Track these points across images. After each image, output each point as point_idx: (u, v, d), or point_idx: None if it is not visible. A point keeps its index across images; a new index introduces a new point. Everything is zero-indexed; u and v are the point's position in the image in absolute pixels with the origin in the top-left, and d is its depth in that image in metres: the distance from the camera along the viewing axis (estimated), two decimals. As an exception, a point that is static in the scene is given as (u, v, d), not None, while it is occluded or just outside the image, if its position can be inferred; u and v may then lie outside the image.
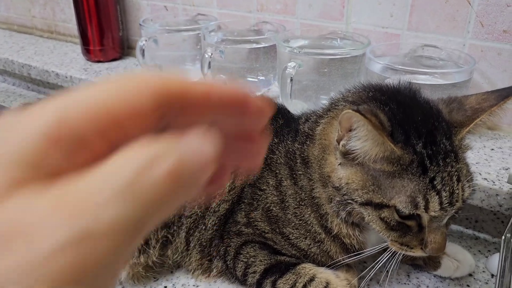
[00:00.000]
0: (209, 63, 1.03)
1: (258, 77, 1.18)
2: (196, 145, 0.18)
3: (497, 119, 0.60)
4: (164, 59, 1.27)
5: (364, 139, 0.56)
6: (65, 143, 0.17)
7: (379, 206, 0.58)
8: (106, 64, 1.46)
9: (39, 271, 0.15)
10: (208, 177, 0.19)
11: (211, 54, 1.03)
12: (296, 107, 1.00)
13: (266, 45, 1.14)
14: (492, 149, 0.94)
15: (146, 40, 1.16)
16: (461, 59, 0.97)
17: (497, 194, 0.81)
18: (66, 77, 1.38)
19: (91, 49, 1.47)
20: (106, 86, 0.18)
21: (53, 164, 0.17)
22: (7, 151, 0.17)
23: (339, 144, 0.60)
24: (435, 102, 0.64)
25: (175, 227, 0.74)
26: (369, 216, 0.60)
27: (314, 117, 0.70)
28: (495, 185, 0.81)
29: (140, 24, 1.25)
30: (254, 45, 1.13)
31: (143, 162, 0.17)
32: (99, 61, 1.47)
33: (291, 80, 0.93)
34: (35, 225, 0.15)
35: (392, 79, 0.86)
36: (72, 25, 1.64)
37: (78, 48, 1.54)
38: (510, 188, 0.80)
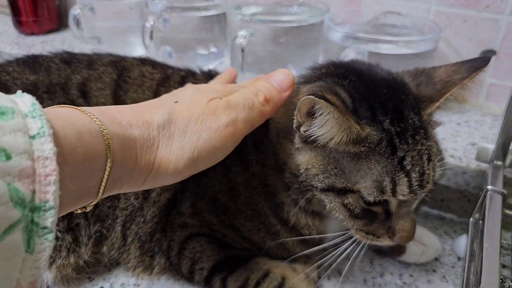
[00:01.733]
0: (151, 33, 0.92)
1: (210, 50, 1.08)
2: (279, 79, 0.52)
3: (467, 92, 0.53)
4: (104, 30, 1.14)
5: (330, 125, 0.48)
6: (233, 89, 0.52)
7: (342, 192, 0.51)
8: (41, 37, 1.31)
9: (216, 132, 0.45)
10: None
11: (153, 23, 0.92)
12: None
13: (217, 12, 1.03)
14: (459, 123, 0.88)
15: (80, 9, 1.03)
16: (426, 27, 0.90)
17: (464, 172, 0.75)
18: (-5, 52, 1.23)
19: (24, 20, 1.31)
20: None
21: (225, 93, 0.49)
22: (211, 88, 0.52)
23: (298, 130, 0.52)
24: (399, 74, 0.57)
25: (109, 221, 0.64)
26: (331, 203, 0.53)
27: None
28: (462, 162, 0.76)
29: (75, -10, 1.11)
30: (204, 13, 1.02)
31: (254, 92, 0.50)
32: (33, 34, 1.32)
33: (243, 51, 0.83)
34: (216, 112, 0.46)
35: (352, 49, 0.78)
36: (1, -6, 1.47)
37: (9, 20, 1.38)
38: (478, 165, 0.74)
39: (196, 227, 0.64)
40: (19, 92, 0.34)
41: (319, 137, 0.50)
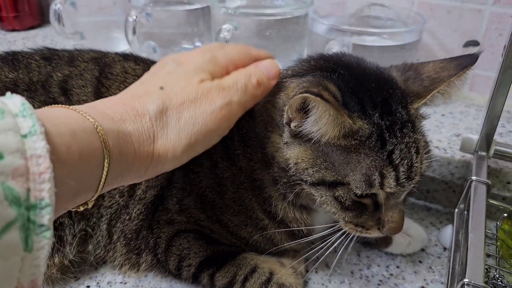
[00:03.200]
0: (134, 28, 0.90)
1: (195, 44, 1.06)
2: (267, 67, 0.52)
3: (454, 89, 0.53)
4: (87, 25, 1.12)
5: (324, 122, 0.48)
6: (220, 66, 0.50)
7: (333, 185, 0.51)
8: (22, 33, 1.28)
9: (211, 116, 0.46)
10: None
11: (136, 17, 0.91)
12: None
13: (202, 6, 1.02)
14: (443, 115, 0.89)
15: (61, 3, 1.01)
16: (410, 18, 0.90)
17: (449, 163, 0.76)
18: (-25, 49, 1.20)
19: (4, 16, 1.28)
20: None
21: (216, 74, 0.49)
22: (195, 66, 0.49)
23: (289, 126, 0.52)
24: (387, 69, 0.57)
25: (94, 219, 0.64)
26: (321, 197, 0.53)
27: None
28: (446, 153, 0.76)
29: (56, -15, 1.09)
30: (188, 7, 1.00)
31: (247, 76, 0.50)
32: (14, 30, 1.29)
33: (227, 45, 0.82)
34: (210, 95, 0.46)
35: (336, 41, 0.78)
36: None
37: (-11, 16, 1.35)
38: (462, 156, 0.75)
39: (183, 223, 0.63)
40: (8, 93, 0.34)
41: (312, 133, 0.50)
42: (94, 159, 0.37)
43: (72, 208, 0.40)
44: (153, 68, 0.54)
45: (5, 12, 1.28)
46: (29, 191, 0.29)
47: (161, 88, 0.46)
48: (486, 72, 0.92)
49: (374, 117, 0.49)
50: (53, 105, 0.40)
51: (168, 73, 0.49)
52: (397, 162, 0.49)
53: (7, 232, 0.27)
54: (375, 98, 0.50)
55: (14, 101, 0.33)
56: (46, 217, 0.29)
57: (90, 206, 0.41)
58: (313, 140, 0.50)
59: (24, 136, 0.30)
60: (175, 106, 0.45)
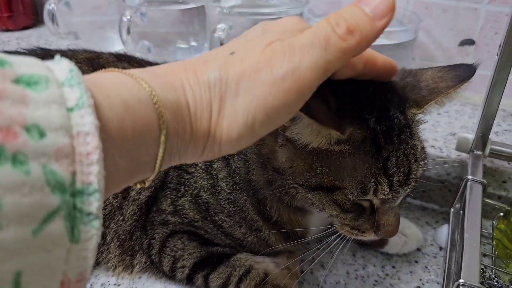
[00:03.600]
0: (128, 28, 0.90)
1: (190, 43, 1.06)
2: (370, 2, 0.37)
3: (449, 100, 0.53)
4: (81, 25, 1.11)
5: (308, 133, 0.46)
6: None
7: (331, 189, 0.50)
8: (17, 33, 1.27)
9: (271, 88, 0.34)
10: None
11: (130, 17, 0.90)
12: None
13: (197, 5, 1.01)
14: (439, 114, 0.88)
15: (55, 3, 1.00)
16: (405, 17, 0.89)
17: (444, 162, 0.76)
18: (-32, 49, 1.19)
19: (-2, 15, 1.27)
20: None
21: (298, 31, 0.37)
22: (280, 31, 0.38)
23: (284, 132, 0.51)
24: None
25: (87, 221, 0.63)
26: (321, 202, 0.51)
27: None
28: (442, 152, 0.76)
29: (49, -16, 1.08)
30: (183, 6, 1.00)
31: (329, 26, 0.35)
32: (7, 30, 1.28)
33: (222, 44, 0.82)
34: (273, 60, 0.34)
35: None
36: (-25, -11, 1.42)
37: (-17, 15, 1.34)
38: (458, 155, 0.75)
39: (177, 224, 0.63)
40: (57, 57, 0.30)
41: (300, 140, 0.49)
42: (149, 135, 0.32)
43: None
44: (241, 36, 0.44)
45: (-2, 12, 1.27)
46: (74, 174, 0.25)
47: (232, 53, 0.37)
48: (482, 71, 0.91)
49: (370, 121, 0.48)
50: (107, 69, 0.34)
51: (247, 39, 0.40)
52: (393, 169, 0.48)
53: (50, 222, 0.24)
54: (373, 102, 0.49)
55: (62, 67, 0.28)
56: (94, 204, 0.26)
57: (147, 185, 0.36)
58: (308, 148, 0.49)
59: (71, 109, 0.26)
60: (234, 75, 0.36)
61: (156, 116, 0.32)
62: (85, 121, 0.26)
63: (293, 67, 0.34)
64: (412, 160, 0.50)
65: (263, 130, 0.36)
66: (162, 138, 0.32)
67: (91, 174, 0.26)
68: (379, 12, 0.37)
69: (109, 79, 0.32)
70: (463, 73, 0.53)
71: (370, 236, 0.54)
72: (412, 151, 0.50)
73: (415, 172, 0.50)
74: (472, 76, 0.53)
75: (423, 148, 0.53)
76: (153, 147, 0.32)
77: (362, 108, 0.48)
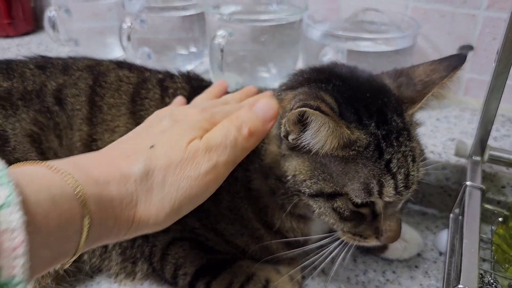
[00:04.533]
0: (129, 35, 0.90)
1: (190, 50, 1.07)
2: (264, 108, 0.49)
3: (447, 91, 0.54)
4: (81, 32, 1.12)
5: (323, 134, 0.47)
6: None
7: (331, 196, 0.51)
8: (17, 40, 1.28)
9: (196, 181, 0.43)
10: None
11: (131, 24, 0.91)
12: (229, 81, 0.90)
13: (197, 12, 1.02)
14: (438, 119, 0.89)
15: (56, 11, 1.01)
16: (404, 23, 0.90)
17: (444, 168, 0.76)
18: (-31, 56, 1.20)
19: (-2, 22, 1.28)
20: None
21: (208, 124, 0.47)
22: (190, 125, 0.47)
23: (286, 138, 0.52)
24: (379, 77, 0.57)
25: (89, 229, 0.63)
26: (320, 208, 0.53)
27: None
28: (441, 157, 0.77)
29: (50, -8, 1.09)
30: (182, 13, 1.00)
31: (237, 126, 0.46)
32: (8, 36, 1.29)
33: (222, 51, 0.82)
34: (196, 158, 0.43)
35: (331, 47, 0.78)
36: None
37: (-17, 22, 1.35)
38: (457, 161, 0.75)
39: (178, 232, 0.63)
40: None
41: (311, 145, 0.49)
42: (72, 226, 0.35)
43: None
44: (149, 120, 0.52)
45: (-1, 18, 1.28)
46: (1, 269, 0.27)
47: (151, 147, 0.44)
48: (480, 76, 0.93)
49: (370, 127, 0.49)
50: (32, 162, 0.37)
51: (161, 131, 0.47)
52: (394, 171, 0.49)
53: None
54: (370, 107, 0.50)
55: None
56: None
57: (66, 267, 0.39)
58: (312, 152, 0.50)
59: (0, 207, 0.28)
60: (161, 169, 0.42)
61: (80, 209, 0.36)
62: (13, 218, 0.28)
63: (213, 164, 0.44)
64: (412, 161, 0.50)
65: (186, 211, 0.45)
66: (85, 228, 0.36)
67: (16, 267, 0.28)
68: (269, 117, 0.50)
69: (37, 174, 0.35)
70: (454, 62, 0.54)
71: (373, 242, 0.55)
72: (411, 153, 0.51)
73: (416, 174, 0.51)
74: (463, 63, 0.54)
75: (421, 149, 0.54)
76: (76, 235, 0.36)
77: (361, 114, 0.49)
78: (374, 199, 0.50)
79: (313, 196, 0.52)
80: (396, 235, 0.54)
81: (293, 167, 0.52)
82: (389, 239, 0.53)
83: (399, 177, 0.49)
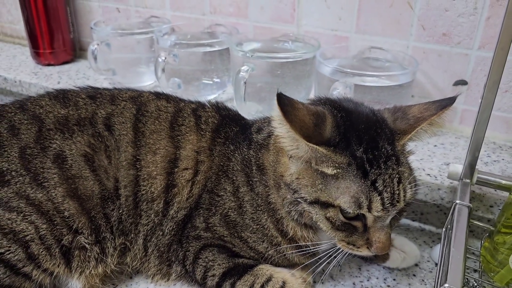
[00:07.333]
0: (163, 67, 1.03)
1: (213, 79, 1.19)
2: None
3: (436, 128, 0.64)
4: (118, 62, 1.25)
5: (289, 142, 0.60)
6: None
7: (325, 205, 0.62)
8: (58, 68, 1.42)
9: None
10: None
11: (165, 58, 1.04)
12: (250, 109, 1.02)
13: (220, 48, 1.15)
14: (435, 145, 1.00)
15: (98, 44, 1.15)
16: (405, 61, 1.02)
17: (439, 188, 0.86)
18: (15, 82, 1.34)
19: (41, 52, 1.43)
20: None
21: None
22: None
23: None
24: (380, 112, 0.68)
25: (132, 235, 0.74)
26: (316, 215, 0.63)
27: (266, 126, 0.73)
28: (437, 179, 0.87)
29: (91, 28, 1.23)
30: (208, 48, 1.14)
31: None
32: (49, 64, 1.43)
33: (245, 83, 0.94)
34: None
35: (340, 82, 0.90)
36: (19, 27, 1.59)
37: (27, 51, 1.50)
38: (451, 183, 0.86)
39: (208, 239, 0.74)
40: None
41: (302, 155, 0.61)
42: None
43: None
44: None
45: (42, 48, 1.42)
46: None
47: None
48: (474, 107, 1.04)
49: (357, 151, 0.60)
50: None
51: None
52: (381, 189, 0.59)
53: None
54: (362, 136, 0.61)
55: None
56: None
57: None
58: (310, 163, 0.61)
59: None
60: None
61: None
62: None
63: None
64: (397, 183, 0.61)
65: None
66: None
67: None
68: None
69: None
70: (445, 103, 0.65)
71: (365, 252, 0.65)
72: (397, 175, 0.61)
73: (402, 193, 0.61)
74: (452, 104, 0.64)
75: (411, 174, 0.64)
76: None
77: (352, 141, 0.61)
78: (364, 212, 0.60)
79: (312, 203, 0.63)
80: (385, 247, 0.63)
81: (298, 170, 0.63)
82: (378, 249, 0.63)
83: (385, 195, 0.59)
